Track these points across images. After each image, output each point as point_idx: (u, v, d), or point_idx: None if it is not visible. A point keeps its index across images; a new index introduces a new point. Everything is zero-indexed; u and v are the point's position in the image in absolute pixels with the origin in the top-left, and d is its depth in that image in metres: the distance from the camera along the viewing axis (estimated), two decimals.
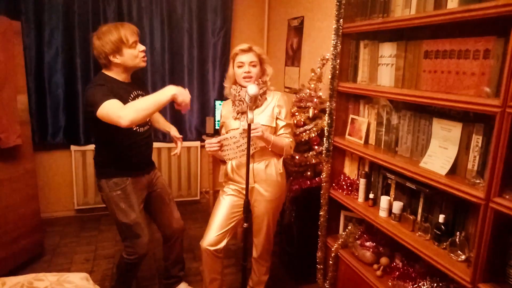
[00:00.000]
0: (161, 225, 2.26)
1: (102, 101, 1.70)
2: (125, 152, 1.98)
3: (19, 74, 2.55)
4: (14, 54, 2.47)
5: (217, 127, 3.43)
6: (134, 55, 1.89)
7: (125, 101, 1.83)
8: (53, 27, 3.18)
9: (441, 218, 1.51)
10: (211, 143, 1.87)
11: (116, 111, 1.67)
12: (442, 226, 1.50)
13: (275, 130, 1.99)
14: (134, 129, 1.96)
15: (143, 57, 1.94)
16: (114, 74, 1.92)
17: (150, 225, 2.14)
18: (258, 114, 1.96)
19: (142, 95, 1.98)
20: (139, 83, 2.09)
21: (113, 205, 2.00)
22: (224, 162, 2.12)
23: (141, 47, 1.92)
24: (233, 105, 2.02)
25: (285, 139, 1.98)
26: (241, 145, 1.84)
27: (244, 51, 1.94)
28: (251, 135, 1.71)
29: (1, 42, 2.34)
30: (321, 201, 2.19)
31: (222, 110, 2.11)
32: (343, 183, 2.13)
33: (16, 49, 2.50)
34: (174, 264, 2.37)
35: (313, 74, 2.54)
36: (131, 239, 2.04)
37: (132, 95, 1.95)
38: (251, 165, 1.90)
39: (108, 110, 1.68)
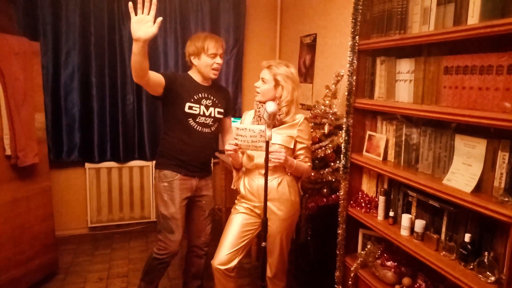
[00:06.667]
0: (191, 233, 2.36)
1: None
2: (179, 145, 2.15)
3: (37, 93, 2.60)
4: (33, 73, 2.53)
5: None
6: (208, 63, 2.10)
7: (190, 95, 2.12)
8: (69, 47, 3.25)
9: (467, 237, 1.46)
10: (230, 143, 1.86)
11: None
12: (469, 246, 1.45)
13: (292, 151, 1.97)
14: (193, 124, 2.14)
15: (215, 69, 2.13)
16: (192, 73, 2.19)
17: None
18: (276, 132, 1.93)
19: (210, 99, 2.18)
20: (217, 89, 2.27)
21: (158, 195, 2.19)
22: (237, 169, 2.11)
23: (217, 61, 2.11)
24: (253, 118, 2.01)
25: (304, 164, 1.97)
26: (256, 141, 1.77)
27: (264, 66, 1.96)
28: (275, 160, 1.77)
29: (21, 62, 2.39)
30: (339, 219, 2.14)
31: (245, 118, 2.09)
32: (361, 200, 2.09)
33: (35, 69, 2.55)
34: (193, 279, 2.40)
35: (327, 90, 2.54)
36: (165, 233, 2.17)
37: (196, 96, 2.14)
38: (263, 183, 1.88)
39: None
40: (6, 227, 2.37)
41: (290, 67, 1.96)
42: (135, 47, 1.73)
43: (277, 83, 1.92)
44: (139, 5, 1.67)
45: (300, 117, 1.97)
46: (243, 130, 1.77)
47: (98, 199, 3.56)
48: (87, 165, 3.47)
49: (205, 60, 2.09)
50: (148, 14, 1.69)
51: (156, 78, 2.00)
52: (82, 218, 3.58)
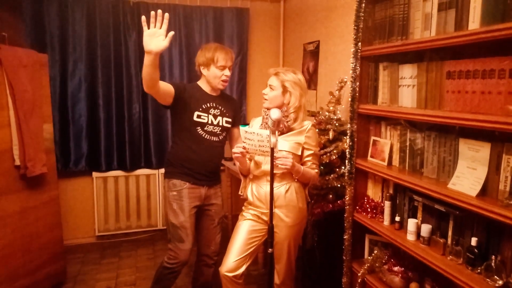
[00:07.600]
0: (200, 242, 2.37)
1: None
2: (187, 153, 2.17)
3: (45, 104, 2.65)
4: (41, 85, 2.57)
5: None
6: (217, 75, 2.13)
7: (198, 104, 2.15)
8: (76, 58, 3.31)
9: (474, 241, 1.46)
10: (238, 146, 1.86)
11: None
12: (475, 250, 1.45)
13: (300, 158, 1.97)
14: (201, 133, 2.17)
15: (223, 81, 2.16)
16: (201, 83, 2.23)
17: None
18: (283, 139, 1.94)
19: (218, 109, 2.21)
20: (225, 99, 2.30)
21: (167, 204, 2.21)
22: (244, 176, 2.12)
23: (226, 73, 2.14)
24: (261, 124, 2.02)
25: (311, 170, 1.98)
26: (263, 146, 1.77)
27: (271, 74, 1.98)
28: (282, 166, 1.78)
29: (30, 74, 2.44)
30: (345, 224, 2.15)
31: (253, 125, 2.10)
32: (367, 205, 2.10)
33: (43, 80, 2.60)
34: None
35: (331, 96, 2.56)
36: (175, 242, 2.18)
37: (205, 105, 2.17)
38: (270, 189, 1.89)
39: None
40: (15, 237, 2.40)
41: (298, 73, 1.98)
42: (147, 59, 1.78)
43: (285, 90, 1.93)
44: (152, 19, 1.72)
45: (307, 124, 1.98)
46: (251, 134, 1.78)
47: (105, 208, 3.58)
48: (94, 174, 3.50)
49: (214, 72, 2.12)
50: (160, 28, 1.74)
51: (166, 88, 2.04)
52: (90, 227, 3.61)
